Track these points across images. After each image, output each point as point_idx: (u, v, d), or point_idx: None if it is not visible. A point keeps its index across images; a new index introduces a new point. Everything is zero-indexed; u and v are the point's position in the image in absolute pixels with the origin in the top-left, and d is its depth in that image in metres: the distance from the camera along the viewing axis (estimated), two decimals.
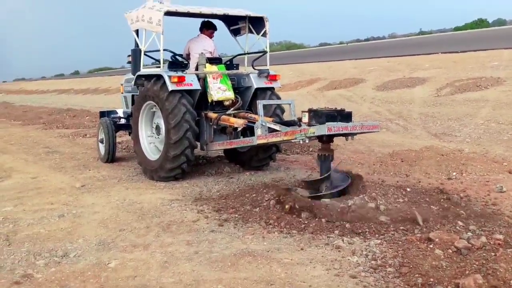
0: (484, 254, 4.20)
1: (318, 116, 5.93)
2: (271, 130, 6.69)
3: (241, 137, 7.64)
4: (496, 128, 10.60)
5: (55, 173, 8.92)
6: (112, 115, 9.91)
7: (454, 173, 7.29)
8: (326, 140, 6.05)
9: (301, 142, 6.22)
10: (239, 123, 7.35)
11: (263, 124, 6.74)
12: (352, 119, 6.12)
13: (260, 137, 6.74)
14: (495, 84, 14.20)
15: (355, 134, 6.11)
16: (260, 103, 6.88)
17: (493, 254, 4.19)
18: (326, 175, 6.00)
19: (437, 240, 4.54)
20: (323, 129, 5.70)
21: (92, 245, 5.09)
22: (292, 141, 6.58)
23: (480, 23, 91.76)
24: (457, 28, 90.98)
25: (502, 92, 13.29)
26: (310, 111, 6.07)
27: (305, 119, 6.10)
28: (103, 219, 5.95)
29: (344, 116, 6.00)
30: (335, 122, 5.79)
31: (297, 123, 6.59)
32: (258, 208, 5.94)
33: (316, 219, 5.40)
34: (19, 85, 75.79)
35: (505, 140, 9.68)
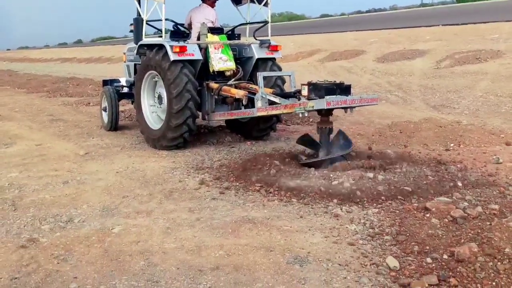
0: (479, 224, 4.23)
1: (317, 89, 5.93)
2: (271, 102, 6.68)
3: (242, 107, 7.62)
4: (494, 101, 10.57)
5: (59, 140, 8.94)
6: (115, 84, 9.87)
7: (452, 145, 7.28)
8: (325, 113, 6.05)
9: (300, 115, 6.22)
10: (240, 94, 7.33)
11: (263, 96, 6.74)
12: (351, 92, 6.10)
13: (260, 109, 6.76)
14: (494, 56, 14.14)
15: (354, 107, 6.08)
16: (260, 75, 6.85)
17: (488, 223, 4.21)
18: (325, 157, 6.04)
19: (433, 209, 4.57)
20: (322, 103, 5.71)
21: (96, 211, 5.13)
22: (292, 113, 6.59)
23: None
24: (459, 0, 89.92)
25: (501, 65, 13.23)
26: (309, 84, 6.06)
27: (305, 92, 6.10)
28: (107, 186, 5.99)
29: (343, 89, 6.00)
30: (334, 96, 5.80)
31: (296, 95, 6.58)
32: (259, 177, 5.95)
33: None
34: (23, 53, 75.39)
35: (503, 112, 9.66)
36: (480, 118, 9.31)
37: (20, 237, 4.55)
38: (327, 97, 5.72)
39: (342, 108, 6.00)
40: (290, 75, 7.47)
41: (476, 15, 30.03)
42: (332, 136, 6.27)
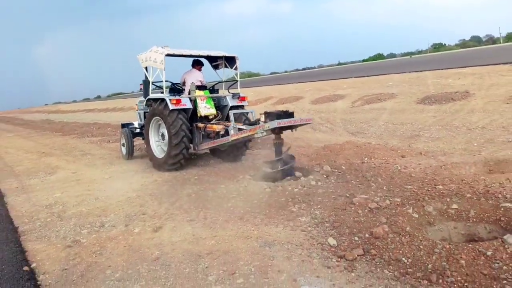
0: (388, 211, 4.38)
1: (271, 115, 6.11)
2: (241, 130, 6.80)
3: (221, 137, 7.69)
4: (392, 128, 10.85)
5: (89, 168, 8.77)
6: (130, 126, 9.80)
7: (366, 158, 7.39)
8: (278, 131, 6.18)
9: (261, 135, 6.31)
10: (219, 127, 7.46)
11: (235, 126, 6.96)
12: (294, 116, 6.27)
13: (233, 135, 6.89)
14: (390, 97, 14.52)
15: (297, 126, 6.22)
16: (231, 113, 7.08)
17: (393, 211, 4.38)
18: (280, 157, 6.17)
19: (357, 203, 4.70)
20: (274, 124, 5.88)
21: (121, 218, 5.09)
22: (255, 136, 6.62)
23: (379, 56, 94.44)
24: (364, 60, 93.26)
25: (395, 103, 13.63)
26: (265, 113, 6.28)
27: (262, 118, 6.28)
28: (127, 199, 5.93)
29: (289, 114, 6.20)
30: (282, 119, 5.97)
31: (258, 123, 6.70)
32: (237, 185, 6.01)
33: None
34: (57, 107, 73.39)
35: (398, 135, 9.92)
36: (383, 139, 9.54)
37: (66, 240, 4.49)
38: (278, 119, 5.92)
39: (289, 127, 6.14)
40: (251, 112, 7.66)
41: (375, 70, 31.04)
42: (283, 148, 6.33)
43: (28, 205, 6.02)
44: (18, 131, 23.27)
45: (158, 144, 8.14)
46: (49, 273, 3.67)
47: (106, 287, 3.37)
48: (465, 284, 2.97)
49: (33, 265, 3.87)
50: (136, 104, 9.81)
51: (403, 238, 3.67)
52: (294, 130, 6.30)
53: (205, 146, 7.87)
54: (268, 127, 5.97)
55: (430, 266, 3.22)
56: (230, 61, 8.42)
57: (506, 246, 3.31)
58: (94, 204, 5.83)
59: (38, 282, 3.53)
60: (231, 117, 7.01)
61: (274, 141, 6.29)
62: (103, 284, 3.42)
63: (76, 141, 14.85)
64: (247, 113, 8.00)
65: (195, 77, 8.52)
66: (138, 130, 9.56)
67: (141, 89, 8.58)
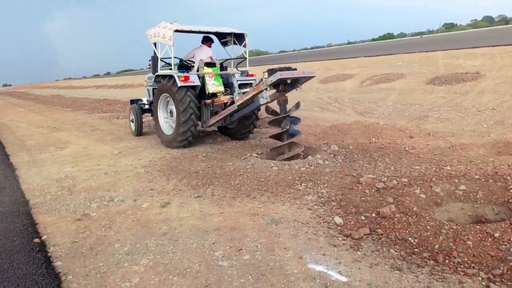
0: (395, 192, 4.32)
1: (274, 71, 5.96)
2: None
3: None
4: (400, 108, 10.71)
5: (99, 144, 8.79)
6: (139, 102, 9.75)
7: (374, 138, 7.33)
8: (282, 89, 6.08)
9: (266, 100, 6.30)
10: (226, 98, 7.50)
11: (239, 92, 7.08)
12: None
13: (238, 100, 6.86)
14: (399, 77, 14.30)
15: (301, 81, 6.06)
16: (235, 80, 7.27)
17: (401, 191, 4.32)
18: (285, 114, 6.12)
19: (364, 183, 4.65)
20: (276, 76, 5.77)
21: (130, 193, 5.09)
22: (261, 101, 6.56)
23: (389, 36, 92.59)
24: (373, 40, 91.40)
25: (404, 83, 13.42)
26: (268, 70, 6.13)
27: (265, 75, 6.13)
28: (136, 175, 5.93)
29: (291, 70, 6.07)
30: (284, 72, 5.86)
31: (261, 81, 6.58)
32: (244, 163, 5.96)
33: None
34: (68, 83, 73.23)
35: (407, 115, 9.81)
36: (391, 120, 9.43)
37: (76, 213, 4.51)
38: (279, 72, 5.78)
39: (291, 84, 5.97)
40: (255, 80, 7.62)
41: (385, 49, 30.42)
42: (287, 106, 6.21)
43: (39, 179, 6.06)
44: (29, 106, 23.38)
45: (166, 121, 8.10)
46: (59, 245, 3.70)
47: (115, 260, 3.39)
48: (472, 265, 2.93)
49: (44, 237, 3.90)
50: (145, 81, 9.73)
51: (410, 218, 3.62)
52: (298, 88, 6.15)
53: (213, 120, 7.80)
54: (271, 80, 5.84)
55: (436, 246, 3.18)
56: (239, 38, 8.26)
57: None
58: (104, 178, 5.84)
59: (49, 254, 3.56)
60: (235, 85, 7.16)
61: (278, 98, 6.15)
62: (112, 257, 3.44)
63: (86, 117, 14.87)
64: (251, 81, 7.93)
65: (205, 53, 8.38)
66: (147, 107, 9.51)
67: (150, 65, 8.48)
